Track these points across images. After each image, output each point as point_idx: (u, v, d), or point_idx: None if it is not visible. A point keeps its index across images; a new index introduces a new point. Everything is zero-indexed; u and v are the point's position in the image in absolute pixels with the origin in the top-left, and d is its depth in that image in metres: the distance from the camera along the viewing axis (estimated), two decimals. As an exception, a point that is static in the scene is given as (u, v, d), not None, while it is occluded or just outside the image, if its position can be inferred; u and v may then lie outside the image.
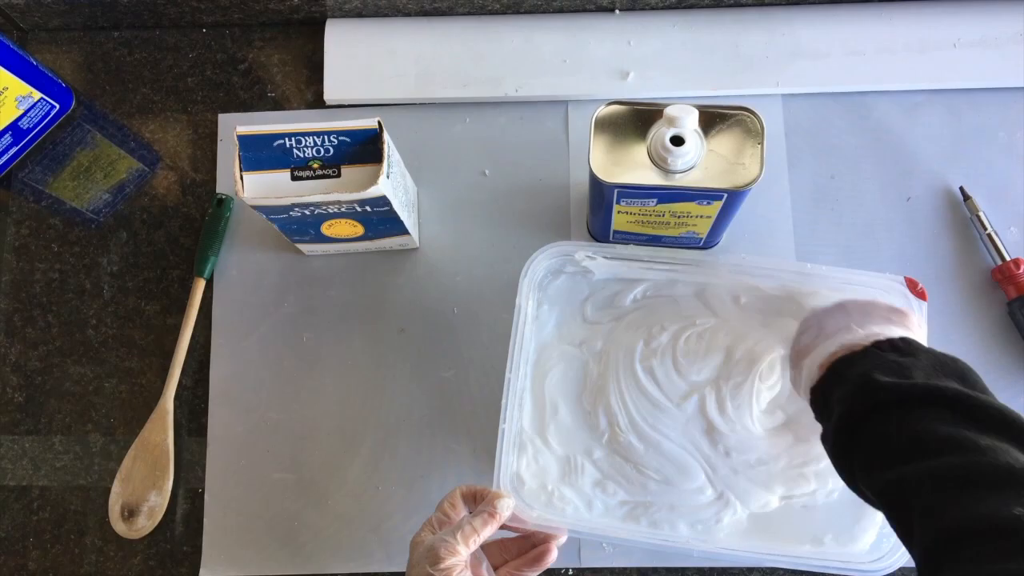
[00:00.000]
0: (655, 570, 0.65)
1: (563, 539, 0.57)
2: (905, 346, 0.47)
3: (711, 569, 0.65)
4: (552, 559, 0.56)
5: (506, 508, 0.54)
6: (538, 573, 0.56)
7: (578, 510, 0.61)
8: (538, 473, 0.62)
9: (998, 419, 0.40)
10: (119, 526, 0.67)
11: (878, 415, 0.43)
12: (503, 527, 0.54)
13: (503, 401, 0.58)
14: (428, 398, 0.68)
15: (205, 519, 0.67)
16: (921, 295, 0.58)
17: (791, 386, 0.58)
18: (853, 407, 0.45)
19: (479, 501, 0.55)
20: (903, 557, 0.55)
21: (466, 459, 0.67)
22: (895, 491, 0.41)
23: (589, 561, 0.65)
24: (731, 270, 0.62)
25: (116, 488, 0.68)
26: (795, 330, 0.58)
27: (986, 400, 0.42)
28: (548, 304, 0.65)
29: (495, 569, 0.56)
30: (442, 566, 0.50)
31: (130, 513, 0.67)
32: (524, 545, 0.58)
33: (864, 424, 0.44)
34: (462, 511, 0.55)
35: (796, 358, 0.55)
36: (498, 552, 0.57)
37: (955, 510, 0.37)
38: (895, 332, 0.50)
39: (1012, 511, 0.35)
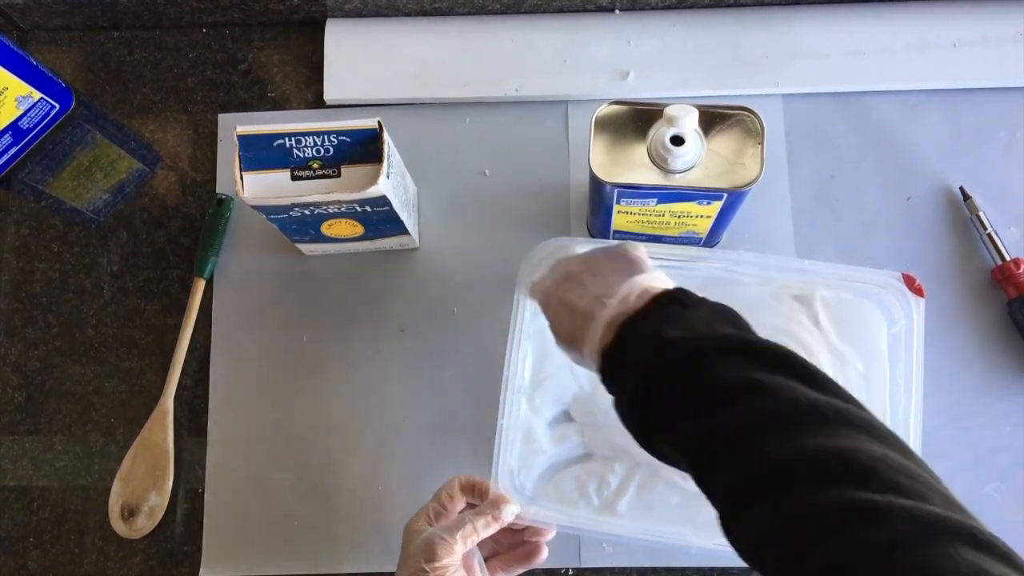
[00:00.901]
0: (655, 570, 0.65)
1: (552, 534, 0.57)
2: (684, 297, 0.46)
3: (711, 569, 0.65)
4: (543, 557, 0.57)
5: (510, 515, 0.54)
6: (528, 568, 0.57)
7: (574, 504, 0.61)
8: (536, 467, 0.62)
9: (781, 359, 0.40)
10: (119, 526, 0.67)
11: (672, 370, 0.42)
12: None
13: (501, 397, 0.58)
14: (428, 398, 0.68)
15: (205, 519, 0.67)
16: (919, 291, 0.58)
17: (571, 362, 0.54)
18: (649, 368, 0.43)
19: (477, 493, 0.55)
20: None
21: (466, 459, 0.67)
22: (698, 442, 0.40)
23: (589, 561, 0.65)
24: (727, 266, 0.62)
25: (116, 488, 0.68)
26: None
27: (767, 342, 0.42)
28: None
29: (485, 561, 0.56)
30: (437, 564, 0.50)
31: (130, 513, 0.67)
32: (515, 538, 0.58)
33: (660, 382, 0.43)
34: (460, 503, 0.55)
35: (567, 338, 0.51)
36: (489, 544, 0.58)
37: (758, 450, 0.37)
38: (660, 283, 0.47)
39: (814, 442, 0.35)
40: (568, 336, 0.50)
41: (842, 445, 0.35)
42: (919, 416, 0.56)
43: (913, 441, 0.56)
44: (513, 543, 0.58)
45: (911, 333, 0.58)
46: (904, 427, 0.57)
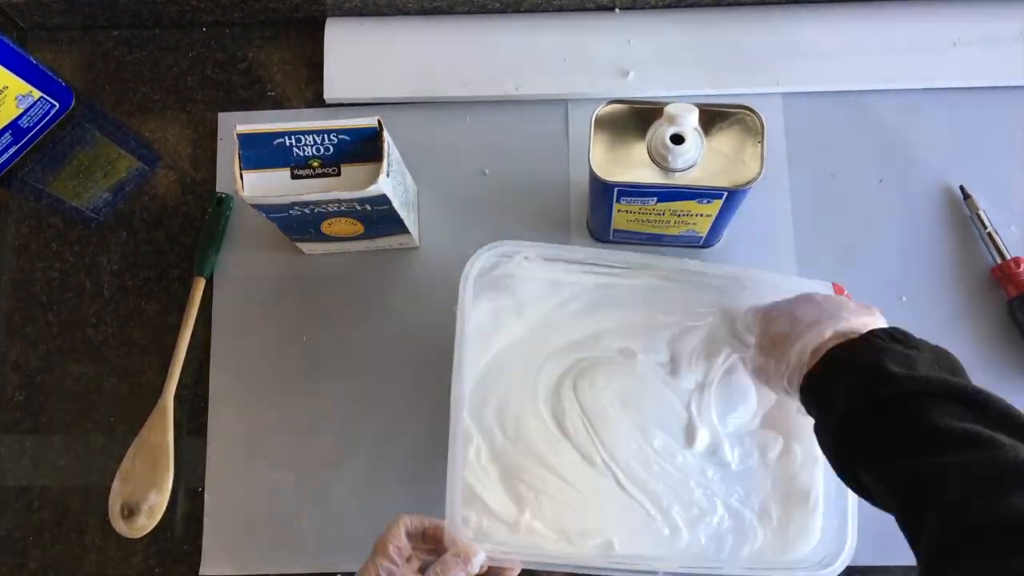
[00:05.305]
0: (655, 569, 0.65)
1: (516, 571, 0.53)
2: (904, 337, 0.47)
3: None
4: None
5: (479, 565, 0.50)
6: None
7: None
8: (491, 498, 0.59)
9: (1008, 417, 0.40)
10: (119, 525, 0.67)
11: (891, 405, 0.43)
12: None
13: (450, 427, 0.55)
14: (427, 398, 0.68)
15: (205, 518, 0.67)
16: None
17: (756, 376, 0.56)
18: (868, 398, 0.44)
19: (428, 539, 0.52)
20: (847, 559, 0.54)
21: (466, 458, 0.67)
22: (909, 483, 0.40)
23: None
24: (669, 273, 0.62)
25: (116, 487, 0.68)
26: (742, 321, 0.58)
27: (995, 397, 0.42)
28: (499, 304, 0.62)
29: None
30: None
31: (130, 512, 0.67)
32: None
33: (875, 413, 0.43)
34: (407, 552, 0.51)
35: (770, 346, 0.53)
36: None
37: (977, 503, 0.36)
38: (882, 322, 0.49)
39: None
40: (775, 344, 0.51)
41: None
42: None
43: None
44: None
45: None
46: None
